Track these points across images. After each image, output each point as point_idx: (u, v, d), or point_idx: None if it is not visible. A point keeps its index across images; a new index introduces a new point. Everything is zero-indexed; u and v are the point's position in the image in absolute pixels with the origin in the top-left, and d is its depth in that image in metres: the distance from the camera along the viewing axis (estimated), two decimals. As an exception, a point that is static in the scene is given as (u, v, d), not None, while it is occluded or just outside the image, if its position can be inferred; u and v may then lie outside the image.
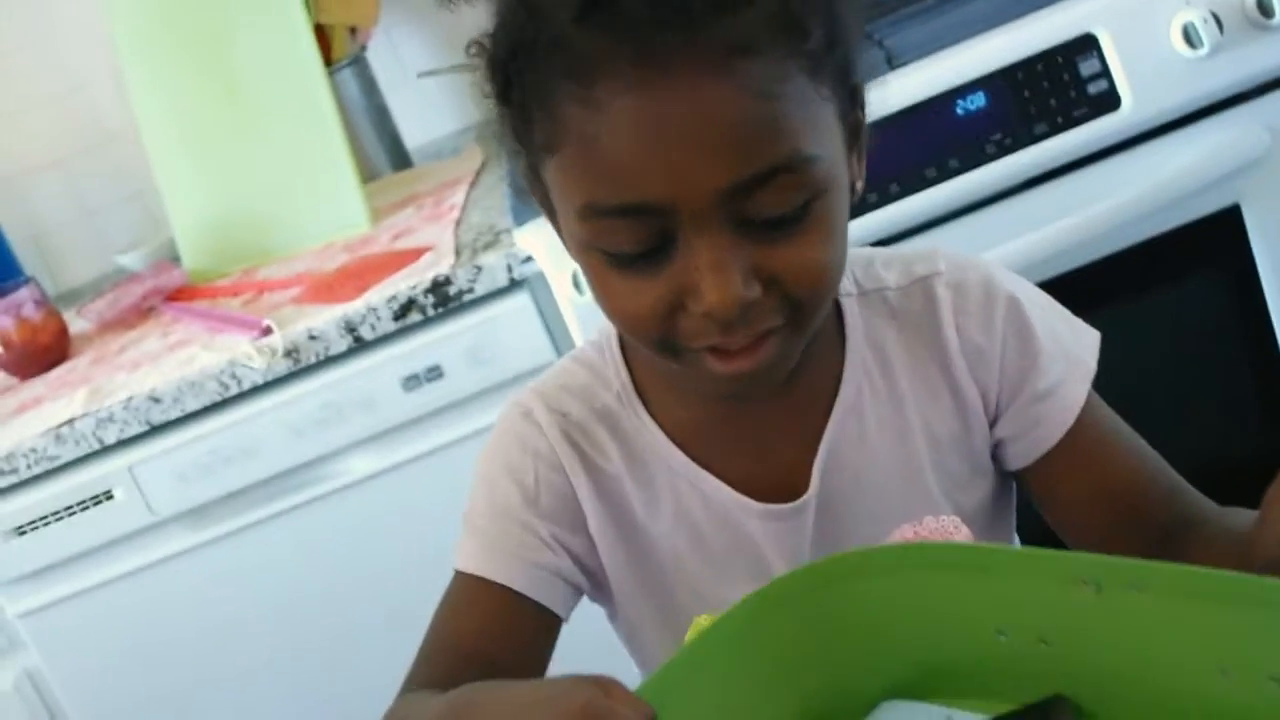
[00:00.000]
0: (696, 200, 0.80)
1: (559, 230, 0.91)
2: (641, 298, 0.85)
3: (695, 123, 0.78)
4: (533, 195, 0.92)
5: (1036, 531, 1.06)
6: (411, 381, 1.83)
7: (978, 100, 1.82)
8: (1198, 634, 0.71)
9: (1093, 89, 1.81)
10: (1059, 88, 1.81)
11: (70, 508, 1.84)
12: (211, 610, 1.90)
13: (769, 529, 0.99)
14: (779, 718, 0.82)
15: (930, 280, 1.00)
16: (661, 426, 1.00)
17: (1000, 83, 1.81)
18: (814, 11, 0.81)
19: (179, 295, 2.14)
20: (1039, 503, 1.03)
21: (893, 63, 1.86)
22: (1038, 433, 1.00)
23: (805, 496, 0.98)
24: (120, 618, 1.90)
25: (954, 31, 1.87)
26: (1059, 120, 1.81)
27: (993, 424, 1.01)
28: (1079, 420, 0.99)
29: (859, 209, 1.78)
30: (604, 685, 0.68)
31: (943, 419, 1.00)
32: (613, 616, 1.08)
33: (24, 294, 2.05)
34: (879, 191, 1.81)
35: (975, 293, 0.99)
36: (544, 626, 0.99)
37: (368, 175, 2.28)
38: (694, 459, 0.99)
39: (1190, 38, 1.77)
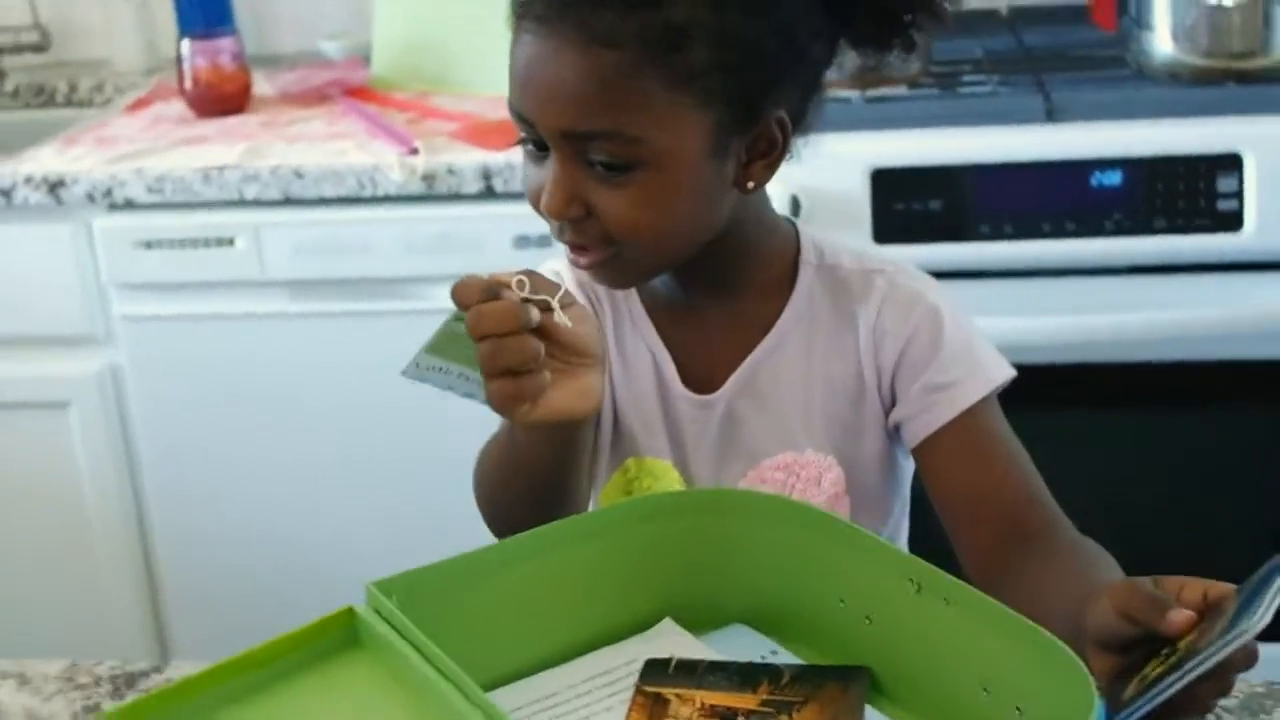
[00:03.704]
0: (545, 130, 1.04)
1: None
2: (532, 182, 1.09)
3: (551, 77, 1.02)
4: None
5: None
6: (523, 241, 1.98)
7: (1113, 177, 1.91)
8: (978, 651, 0.84)
9: (1222, 205, 1.89)
10: (1192, 193, 1.89)
11: (194, 241, 2.03)
12: (282, 375, 2.09)
13: (686, 411, 1.19)
14: (643, 606, 0.97)
15: (874, 274, 1.19)
16: (641, 301, 1.21)
17: (1140, 169, 1.90)
18: (702, 40, 1.01)
19: (356, 93, 2.32)
20: (926, 483, 1.18)
21: (1051, 116, 1.96)
22: (927, 416, 1.15)
23: (716, 394, 1.18)
24: (204, 351, 2.10)
25: (1119, 107, 1.96)
26: (1180, 222, 1.90)
27: (893, 405, 1.18)
28: (968, 415, 1.14)
29: (966, 234, 1.91)
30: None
31: (842, 375, 1.18)
32: None
33: (225, 43, 2.25)
34: (992, 225, 1.92)
35: (905, 293, 1.18)
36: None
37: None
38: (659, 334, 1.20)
39: (1329, 188, 1.84)
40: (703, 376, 1.18)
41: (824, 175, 1.88)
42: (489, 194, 1.99)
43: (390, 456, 2.12)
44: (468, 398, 0.98)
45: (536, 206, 1.08)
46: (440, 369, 0.97)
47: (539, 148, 1.07)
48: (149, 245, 2.04)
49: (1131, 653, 0.87)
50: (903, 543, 1.27)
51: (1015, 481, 1.14)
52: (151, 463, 2.17)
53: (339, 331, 2.07)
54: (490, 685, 0.90)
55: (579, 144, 1.03)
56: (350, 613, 0.87)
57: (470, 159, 2.00)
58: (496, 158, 1.99)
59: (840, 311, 1.18)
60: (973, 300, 1.89)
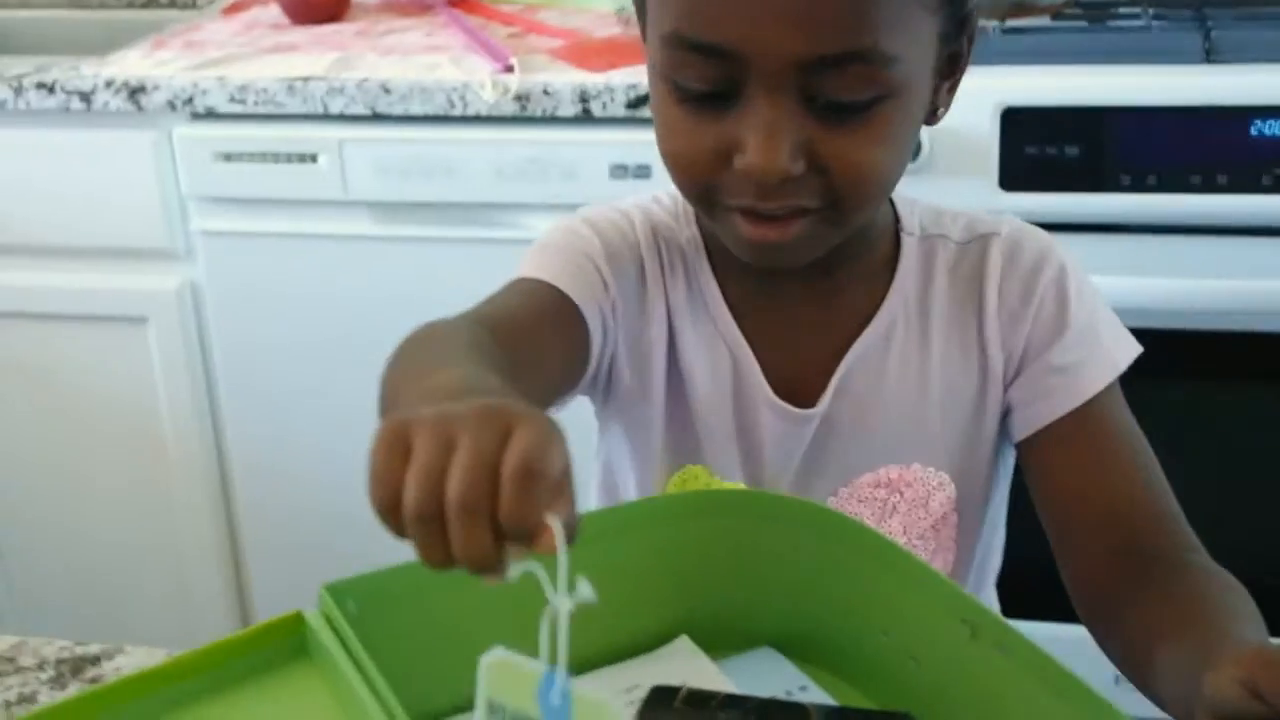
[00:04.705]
0: (770, 62, 0.82)
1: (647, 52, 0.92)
2: (696, 139, 0.87)
3: None
4: (636, 11, 0.94)
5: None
6: (619, 170, 1.84)
7: (1276, 128, 1.71)
8: (1031, 711, 0.70)
9: (1399, 164, 1.68)
10: (1367, 148, 1.68)
11: (275, 156, 1.92)
12: (363, 299, 1.98)
13: (774, 424, 1.01)
14: (655, 621, 0.84)
15: (988, 239, 1.01)
16: (718, 285, 1.02)
17: (1309, 120, 1.70)
18: None
19: (461, 3, 2.20)
20: (1031, 481, 1.01)
21: (1210, 56, 1.75)
22: (1043, 404, 0.99)
23: (814, 410, 1.00)
24: (284, 271, 1.99)
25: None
26: (1351, 181, 1.69)
27: (1007, 388, 1.01)
28: (1089, 407, 0.97)
29: (1104, 184, 1.72)
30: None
31: (964, 377, 1.01)
32: (601, 416, 1.08)
33: (328, -53, 2.12)
34: (1134, 175, 1.73)
35: (1027, 258, 1.00)
36: (581, 349, 0.97)
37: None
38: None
39: None
40: (791, 380, 1.00)
41: (950, 113, 1.70)
42: (586, 118, 1.85)
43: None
44: None
45: (689, 172, 0.88)
46: None
47: (715, 97, 0.85)
48: (229, 158, 1.94)
49: None
50: (997, 548, 1.11)
51: (1139, 490, 0.96)
52: (228, 381, 2.09)
53: (423, 257, 1.95)
54: (464, 708, 0.78)
55: (814, 77, 0.82)
56: (299, 618, 0.75)
57: (567, 79, 1.85)
58: (595, 79, 1.85)
59: (959, 292, 1.00)
60: (1108, 257, 1.73)
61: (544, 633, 0.59)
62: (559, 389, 0.96)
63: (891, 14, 0.83)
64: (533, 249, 1.00)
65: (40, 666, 0.87)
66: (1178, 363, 1.83)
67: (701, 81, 0.85)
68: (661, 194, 1.06)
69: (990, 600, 1.15)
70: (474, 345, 0.82)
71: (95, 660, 0.87)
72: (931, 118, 0.92)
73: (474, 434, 0.59)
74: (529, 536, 0.58)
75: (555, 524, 0.58)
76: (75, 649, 0.88)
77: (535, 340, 0.92)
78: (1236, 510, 1.87)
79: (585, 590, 0.58)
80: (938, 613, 0.74)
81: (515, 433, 0.59)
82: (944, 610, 0.74)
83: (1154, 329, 1.75)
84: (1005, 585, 1.20)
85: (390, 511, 0.60)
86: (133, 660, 0.87)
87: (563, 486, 0.59)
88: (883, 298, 1.00)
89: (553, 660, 0.59)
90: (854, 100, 0.84)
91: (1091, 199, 1.74)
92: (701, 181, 0.88)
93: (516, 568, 0.59)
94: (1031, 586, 1.20)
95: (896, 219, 1.01)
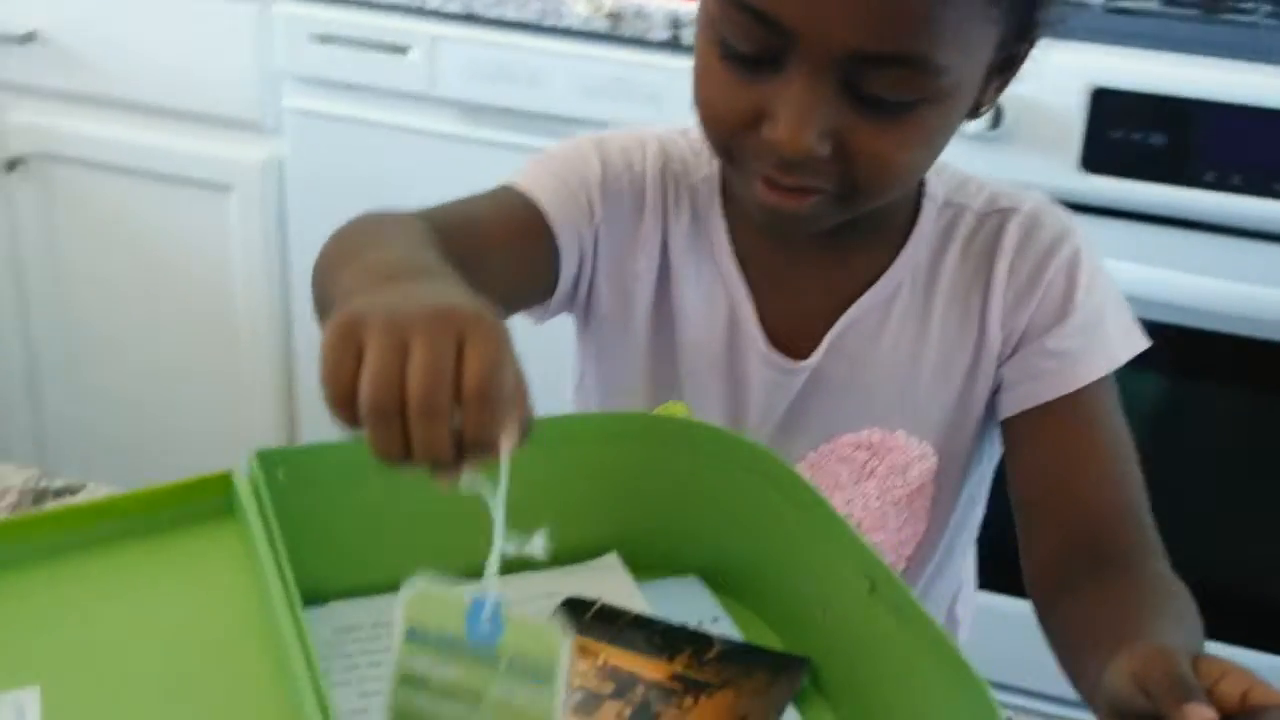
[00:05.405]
0: (819, 45, 0.81)
1: None
2: (730, 97, 0.86)
3: None
4: None
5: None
6: (703, 101, 1.83)
7: (1373, 143, 1.66)
8: (914, 674, 0.70)
9: None
10: None
11: (369, 43, 1.94)
12: (438, 195, 1.99)
13: (762, 373, 1.00)
14: (588, 534, 0.85)
15: (1007, 214, 0.99)
16: (728, 228, 1.01)
17: None
18: None
19: (577, -84, 2.19)
20: (1007, 458, 1.00)
21: (1312, 59, 1.70)
22: (1033, 386, 0.97)
23: (805, 363, 0.99)
24: (365, 158, 2.02)
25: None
26: None
27: (1000, 366, 1.00)
28: (1078, 396, 0.96)
29: (1187, 178, 1.68)
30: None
31: (960, 350, 0.99)
32: (581, 337, 1.09)
33: None
34: (1218, 172, 1.69)
35: (1043, 239, 0.98)
36: (544, 269, 0.98)
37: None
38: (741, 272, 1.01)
39: None
40: (787, 331, 1.00)
41: (1037, 85, 1.66)
42: (675, 45, 1.84)
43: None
44: None
45: (718, 126, 0.87)
46: None
47: (758, 61, 0.83)
48: (324, 40, 1.96)
49: None
50: (973, 523, 1.10)
51: (1109, 486, 0.94)
52: (302, 258, 2.13)
53: (502, 161, 1.93)
54: (374, 590, 0.80)
55: (859, 68, 0.81)
56: (227, 479, 0.77)
57: (662, 4, 1.85)
58: (689, 8, 1.84)
59: (969, 265, 0.99)
60: (1178, 252, 1.70)
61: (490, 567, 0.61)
62: (507, 301, 0.95)
63: (952, 25, 0.81)
64: (536, 157, 1.01)
65: (2, 494, 0.90)
66: (1238, 369, 1.79)
67: (748, 44, 0.83)
68: (689, 128, 1.05)
69: (967, 570, 1.15)
70: (416, 234, 0.83)
71: (59, 493, 0.90)
72: (973, 113, 0.90)
73: (427, 339, 0.59)
74: (487, 449, 0.60)
75: (506, 444, 0.59)
76: (41, 481, 0.91)
77: (489, 249, 0.92)
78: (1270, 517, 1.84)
79: (538, 543, 0.61)
80: (845, 567, 0.74)
81: (469, 343, 0.59)
82: (851, 566, 0.74)
83: (1214, 331, 1.72)
84: (994, 559, 1.20)
85: (342, 404, 0.60)
86: (93, 496, 0.90)
87: (517, 394, 0.60)
88: (893, 260, 0.99)
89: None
90: (895, 99, 0.82)
91: (1172, 191, 1.70)
92: (727, 136, 0.88)
93: (469, 479, 0.60)
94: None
95: (921, 181, 1.00)
